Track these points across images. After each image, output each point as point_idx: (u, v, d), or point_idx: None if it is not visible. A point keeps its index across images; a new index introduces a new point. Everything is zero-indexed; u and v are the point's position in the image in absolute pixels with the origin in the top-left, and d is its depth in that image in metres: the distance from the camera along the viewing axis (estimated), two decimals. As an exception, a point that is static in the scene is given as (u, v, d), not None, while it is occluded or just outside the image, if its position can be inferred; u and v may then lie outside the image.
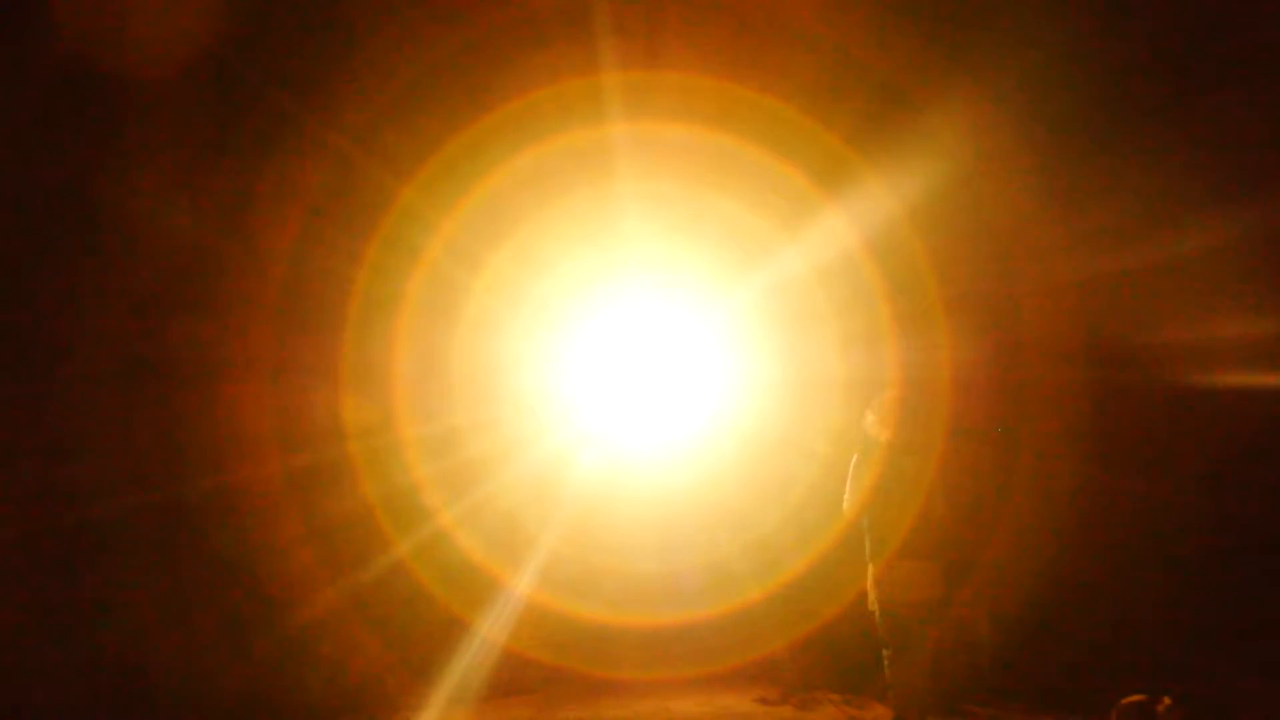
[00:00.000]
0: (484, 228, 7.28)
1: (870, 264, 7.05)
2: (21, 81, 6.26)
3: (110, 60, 6.25)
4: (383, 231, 7.12)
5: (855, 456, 5.46)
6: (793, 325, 7.39)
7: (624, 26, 6.82)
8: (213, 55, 6.50)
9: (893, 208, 6.83)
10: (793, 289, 7.34)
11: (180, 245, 6.75)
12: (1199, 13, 6.18)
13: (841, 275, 7.14)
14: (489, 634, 7.04)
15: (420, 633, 7.05)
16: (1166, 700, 5.13)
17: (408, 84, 6.91)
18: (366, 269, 7.13)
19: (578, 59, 6.80)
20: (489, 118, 6.96)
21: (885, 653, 5.35)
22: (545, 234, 7.45)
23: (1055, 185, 6.68)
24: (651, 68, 6.99)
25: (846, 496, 5.47)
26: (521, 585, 7.20)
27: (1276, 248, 5.99)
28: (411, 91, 6.92)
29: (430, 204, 7.09)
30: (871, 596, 5.37)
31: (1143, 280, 6.35)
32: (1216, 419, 6.12)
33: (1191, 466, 6.11)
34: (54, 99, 6.38)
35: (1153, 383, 6.34)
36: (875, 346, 6.99)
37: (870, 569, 5.38)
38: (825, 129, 6.91)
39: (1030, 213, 6.80)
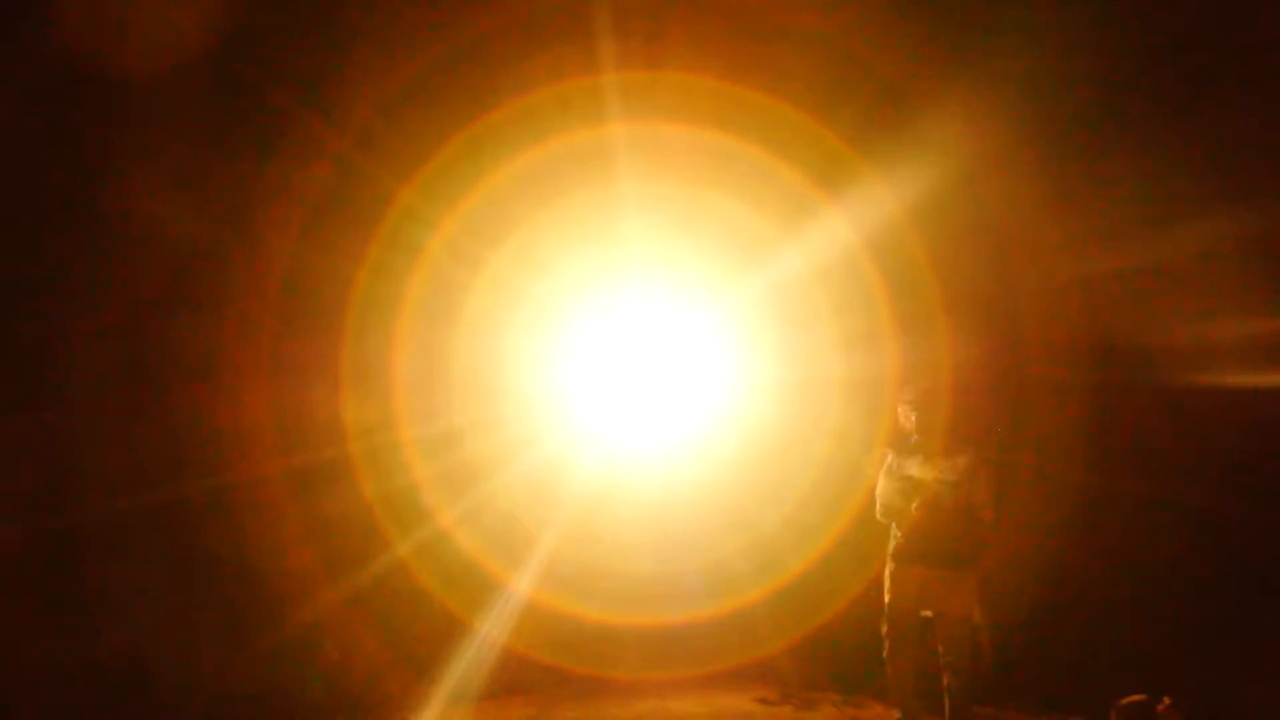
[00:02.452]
0: (484, 228, 7.28)
1: (870, 264, 7.05)
2: (21, 81, 6.26)
3: (110, 60, 6.25)
4: (383, 231, 7.12)
5: (890, 455, 5.34)
6: (793, 325, 7.39)
7: (624, 26, 6.82)
8: (213, 55, 6.49)
9: (893, 208, 6.83)
10: (793, 289, 7.34)
11: (180, 245, 6.75)
12: (1199, 13, 6.17)
13: (841, 275, 7.14)
14: (489, 634, 7.03)
15: (420, 633, 7.05)
16: (1166, 700, 5.13)
17: (408, 84, 6.91)
18: (366, 269, 7.12)
19: (578, 59, 6.79)
20: (489, 118, 6.96)
21: (888, 655, 5.30)
22: (545, 234, 7.44)
23: (1055, 185, 6.68)
24: (651, 68, 6.99)
25: (878, 497, 5.34)
26: (521, 585, 7.20)
27: (1276, 248, 5.98)
28: (411, 91, 6.92)
29: (430, 204, 7.09)
30: (891, 599, 5.27)
31: (1143, 280, 6.34)
32: (1216, 419, 6.12)
33: (1191, 466, 6.10)
34: (54, 99, 6.38)
35: (1153, 383, 6.33)
36: (875, 346, 6.99)
37: (893, 568, 5.28)
38: (825, 129, 6.91)
39: (1030, 213, 6.80)
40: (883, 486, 5.34)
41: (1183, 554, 5.96)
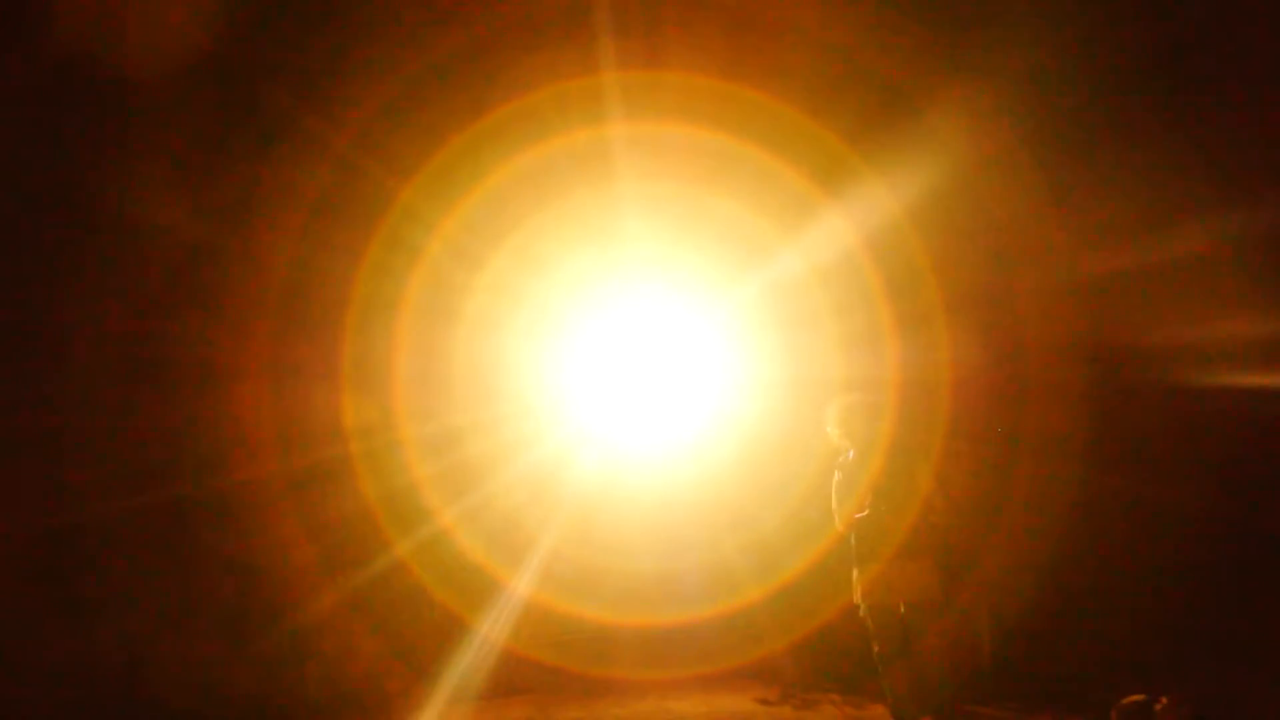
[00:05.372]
0: (484, 228, 7.28)
1: (870, 264, 7.05)
2: (21, 81, 6.26)
3: (110, 60, 6.25)
4: (383, 231, 7.12)
5: (836, 473, 5.52)
6: (793, 325, 7.39)
7: (624, 26, 6.82)
8: (213, 55, 6.49)
9: (893, 208, 6.83)
10: (793, 289, 7.33)
11: (180, 245, 6.75)
12: (1199, 13, 6.17)
13: (841, 275, 7.14)
14: (489, 634, 7.03)
15: (420, 633, 7.06)
16: (1165, 700, 5.13)
17: (408, 84, 6.90)
18: (366, 269, 7.13)
19: (578, 59, 6.79)
20: (489, 118, 6.96)
21: (877, 656, 5.39)
22: (545, 234, 7.44)
23: (1055, 185, 6.68)
24: (651, 68, 6.98)
25: (835, 511, 5.50)
26: (521, 585, 7.20)
27: (1276, 248, 5.98)
28: (411, 91, 6.92)
29: (430, 204, 7.09)
30: (861, 600, 5.39)
31: (1143, 280, 6.34)
32: (1216, 419, 6.12)
33: (1191, 467, 6.10)
34: (54, 99, 6.38)
35: (1153, 383, 6.33)
36: (875, 346, 6.99)
37: (856, 573, 5.41)
38: (825, 129, 6.90)
39: (1030, 213, 6.80)
40: (834, 500, 5.50)
41: (1182, 554, 5.96)
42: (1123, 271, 6.40)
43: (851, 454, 5.52)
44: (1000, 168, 6.69)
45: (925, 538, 5.32)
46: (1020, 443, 6.68)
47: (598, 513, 7.61)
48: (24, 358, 6.38)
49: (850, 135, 6.89)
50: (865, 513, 5.38)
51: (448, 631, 6.98)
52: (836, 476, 5.54)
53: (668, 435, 7.77)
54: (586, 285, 7.65)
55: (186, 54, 6.42)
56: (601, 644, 7.35)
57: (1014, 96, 6.41)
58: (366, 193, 7.06)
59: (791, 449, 7.06)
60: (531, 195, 7.26)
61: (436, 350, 7.40)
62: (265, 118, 6.75)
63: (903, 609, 5.32)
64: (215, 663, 6.43)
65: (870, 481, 5.39)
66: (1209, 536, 5.96)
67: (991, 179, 6.72)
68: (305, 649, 6.76)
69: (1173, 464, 6.21)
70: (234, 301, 6.92)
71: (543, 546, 7.30)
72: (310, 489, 6.95)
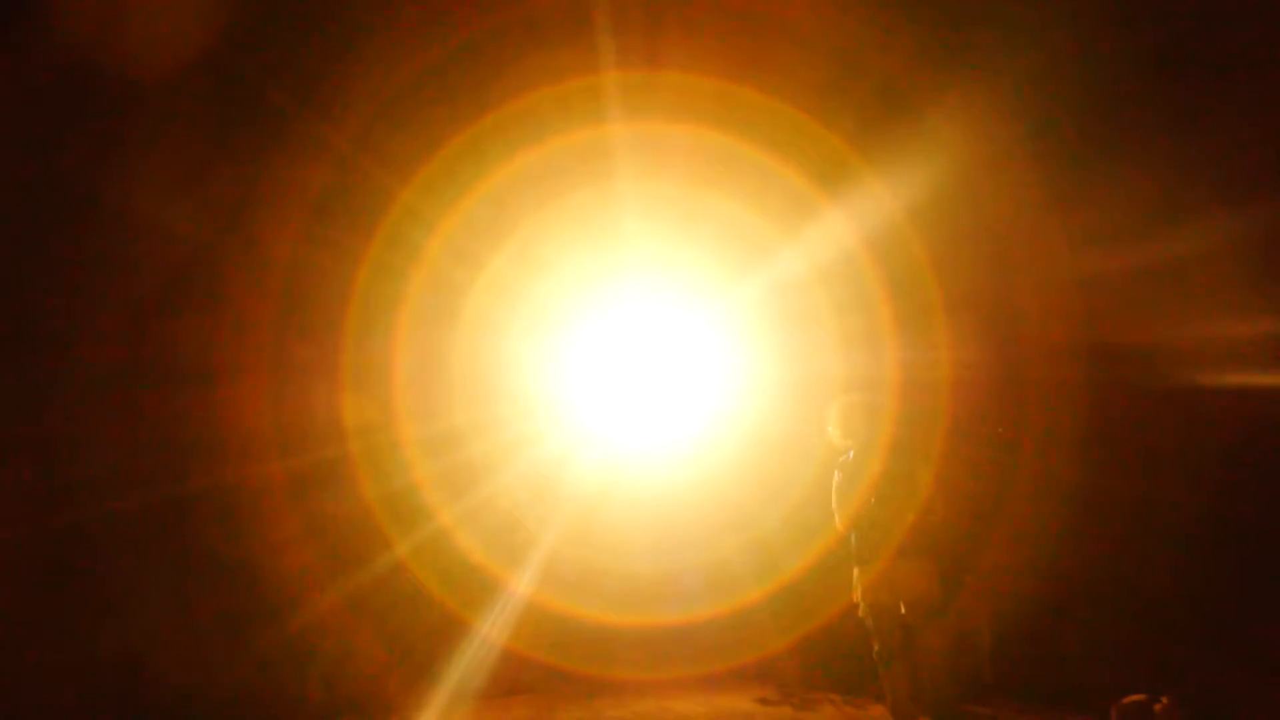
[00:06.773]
0: (484, 228, 7.28)
1: (870, 264, 7.05)
2: (22, 81, 6.26)
3: (110, 60, 6.25)
4: (383, 231, 7.12)
5: (836, 473, 5.52)
6: (793, 325, 7.39)
7: (624, 26, 6.82)
8: (213, 55, 6.49)
9: (893, 208, 6.83)
10: (793, 289, 7.34)
11: (180, 245, 6.76)
12: (1199, 13, 6.17)
13: (841, 275, 7.14)
14: (489, 634, 7.04)
15: (420, 633, 7.06)
16: (1166, 700, 5.13)
17: (408, 84, 6.91)
18: (366, 269, 7.13)
19: (578, 59, 6.79)
20: (489, 118, 6.96)
21: (877, 656, 5.39)
22: (545, 234, 7.44)
23: (1055, 185, 6.68)
24: (651, 68, 6.99)
25: (835, 511, 5.51)
26: (521, 585, 7.20)
27: (1276, 248, 5.98)
28: (411, 91, 6.92)
29: (430, 204, 7.09)
30: (861, 600, 5.40)
31: (1143, 280, 6.34)
32: (1216, 419, 6.12)
33: (1191, 466, 6.11)
34: (54, 99, 6.38)
35: (1153, 382, 6.34)
36: (875, 346, 6.99)
37: (856, 573, 5.41)
38: (825, 129, 6.91)
39: (1030, 213, 6.80)
40: (834, 500, 5.52)
41: (1183, 553, 5.96)
42: (1122, 271, 6.40)
43: (851, 454, 5.52)
44: (1000, 168, 6.69)
45: (925, 538, 5.33)
46: (1020, 442, 6.68)
47: (598, 513, 7.61)
48: (24, 358, 6.38)
49: (850, 135, 6.89)
50: (868, 512, 5.38)
51: (448, 631, 6.98)
52: (836, 476, 5.54)
53: (668, 435, 7.77)
54: (586, 285, 7.65)
55: (187, 54, 6.42)
56: (601, 644, 7.35)
57: (1014, 96, 6.41)
58: (366, 193, 7.06)
59: (791, 449, 7.06)
60: (531, 195, 7.27)
61: (436, 350, 7.41)
62: (265, 118, 6.75)
63: (903, 609, 5.32)
64: (215, 663, 6.43)
65: (870, 482, 5.39)
66: (1209, 536, 5.96)
67: (991, 179, 6.73)
68: (305, 649, 6.77)
69: (1173, 463, 6.21)
70: (234, 301, 6.93)
71: (543, 546, 7.30)
72: (310, 489, 6.95)
